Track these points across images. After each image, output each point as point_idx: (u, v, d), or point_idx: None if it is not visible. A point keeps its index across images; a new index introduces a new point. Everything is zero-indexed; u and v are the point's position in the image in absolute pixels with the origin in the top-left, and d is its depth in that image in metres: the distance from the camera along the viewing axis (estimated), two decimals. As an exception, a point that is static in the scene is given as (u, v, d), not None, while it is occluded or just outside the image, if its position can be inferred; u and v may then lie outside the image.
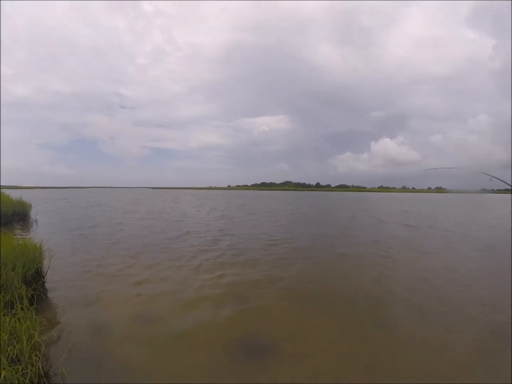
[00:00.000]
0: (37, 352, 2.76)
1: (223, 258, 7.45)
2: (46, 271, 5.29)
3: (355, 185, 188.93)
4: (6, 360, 2.30)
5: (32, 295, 4.11)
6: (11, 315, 2.98)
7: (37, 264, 4.91)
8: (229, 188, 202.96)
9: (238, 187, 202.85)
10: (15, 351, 2.48)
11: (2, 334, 2.50)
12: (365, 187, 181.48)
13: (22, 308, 3.18)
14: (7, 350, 2.42)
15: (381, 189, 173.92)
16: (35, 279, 4.71)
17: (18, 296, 3.47)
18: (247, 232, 11.67)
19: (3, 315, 2.82)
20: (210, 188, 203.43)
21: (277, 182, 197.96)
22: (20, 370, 2.32)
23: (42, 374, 2.63)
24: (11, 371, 2.23)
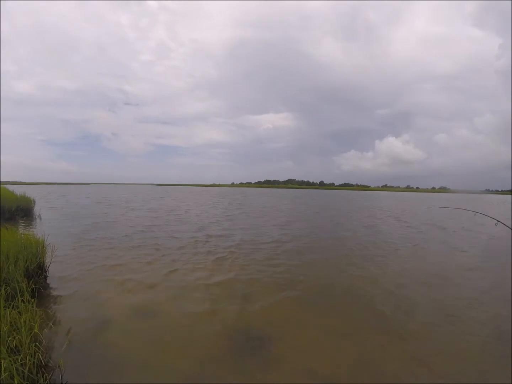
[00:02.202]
0: (37, 344, 2.84)
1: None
2: (48, 265, 5.39)
3: (359, 183, 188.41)
4: (6, 350, 2.37)
5: (33, 289, 4.20)
6: (12, 307, 3.06)
7: (39, 258, 5.01)
8: (233, 185, 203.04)
9: (242, 185, 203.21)
10: (15, 342, 2.55)
11: (2, 325, 2.57)
12: (369, 186, 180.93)
13: (22, 301, 3.25)
14: (7, 341, 2.49)
15: (385, 188, 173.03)
16: (36, 273, 4.81)
17: (19, 289, 3.55)
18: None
19: (4, 308, 2.90)
20: (214, 185, 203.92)
21: (281, 179, 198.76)
22: (19, 360, 2.39)
23: (41, 365, 2.71)
24: (10, 361, 2.30)
